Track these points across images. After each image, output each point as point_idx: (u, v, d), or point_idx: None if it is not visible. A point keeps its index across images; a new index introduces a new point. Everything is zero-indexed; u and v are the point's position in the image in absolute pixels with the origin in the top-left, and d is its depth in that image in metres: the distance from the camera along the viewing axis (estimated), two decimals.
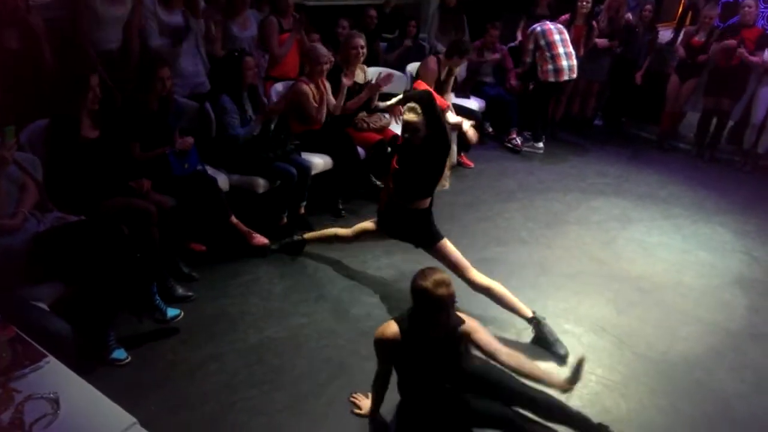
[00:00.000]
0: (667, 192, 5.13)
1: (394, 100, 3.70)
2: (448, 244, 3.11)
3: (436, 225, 3.19)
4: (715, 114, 5.93)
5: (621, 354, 2.98)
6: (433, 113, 2.86)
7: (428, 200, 3.13)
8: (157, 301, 2.83)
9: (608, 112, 6.89)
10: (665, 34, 6.77)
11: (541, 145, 5.96)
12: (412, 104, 2.88)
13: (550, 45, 5.51)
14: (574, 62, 5.61)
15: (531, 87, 5.93)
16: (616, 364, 2.90)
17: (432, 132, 2.88)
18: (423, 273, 2.02)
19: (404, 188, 3.07)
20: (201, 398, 2.51)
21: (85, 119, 2.87)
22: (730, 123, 6.04)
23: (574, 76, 5.68)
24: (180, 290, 3.11)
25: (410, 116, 2.86)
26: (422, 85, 4.42)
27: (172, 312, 2.86)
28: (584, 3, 5.79)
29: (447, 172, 3.44)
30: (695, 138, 6.24)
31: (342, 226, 3.66)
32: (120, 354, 2.66)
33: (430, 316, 2.02)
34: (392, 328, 2.11)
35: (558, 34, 5.54)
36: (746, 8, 5.53)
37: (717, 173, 5.76)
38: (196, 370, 2.67)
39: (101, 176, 2.88)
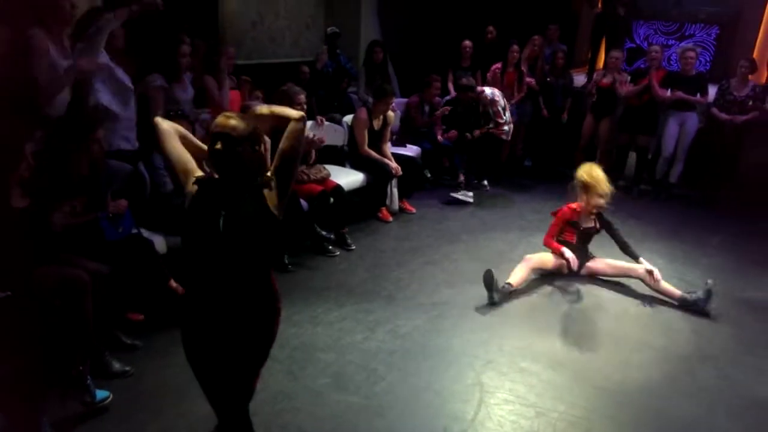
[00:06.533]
0: None
1: None
2: None
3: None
4: (633, 150, 6.35)
5: (580, 388, 2.98)
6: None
7: None
8: (88, 382, 2.60)
9: (536, 153, 7.21)
10: (579, 79, 7.26)
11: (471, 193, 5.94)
12: None
13: (505, 108, 5.99)
14: None
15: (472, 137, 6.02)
16: (576, 398, 2.90)
17: None
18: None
19: None
20: None
21: (15, 189, 2.63)
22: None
23: None
24: (117, 365, 2.90)
25: None
26: None
27: (101, 394, 2.64)
28: (514, 54, 6.38)
29: None
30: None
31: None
32: None
33: None
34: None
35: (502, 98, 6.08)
36: (653, 53, 6.11)
37: (640, 204, 6.06)
38: None
39: (31, 247, 2.65)
